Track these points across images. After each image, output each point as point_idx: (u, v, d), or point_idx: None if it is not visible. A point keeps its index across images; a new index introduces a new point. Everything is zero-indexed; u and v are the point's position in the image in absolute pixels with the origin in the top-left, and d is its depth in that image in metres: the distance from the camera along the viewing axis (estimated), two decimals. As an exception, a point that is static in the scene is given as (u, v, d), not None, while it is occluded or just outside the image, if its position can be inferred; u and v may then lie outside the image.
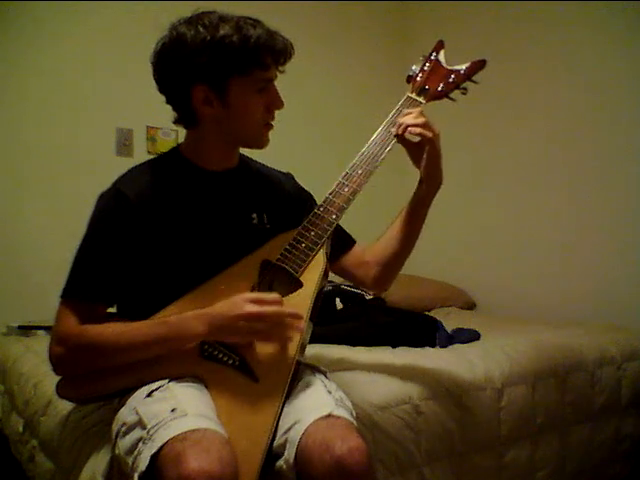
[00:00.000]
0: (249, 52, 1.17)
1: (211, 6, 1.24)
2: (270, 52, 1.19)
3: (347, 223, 1.40)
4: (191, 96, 1.21)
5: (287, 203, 1.39)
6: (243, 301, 1.10)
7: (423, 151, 1.28)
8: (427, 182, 1.32)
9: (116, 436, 1.10)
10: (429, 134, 1.25)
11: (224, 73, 1.18)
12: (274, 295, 1.12)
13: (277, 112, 1.28)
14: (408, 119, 1.27)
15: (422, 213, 1.35)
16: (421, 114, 1.27)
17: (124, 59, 2.75)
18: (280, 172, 1.47)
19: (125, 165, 1.31)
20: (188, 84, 1.20)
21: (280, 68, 1.25)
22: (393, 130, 1.29)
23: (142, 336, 1.12)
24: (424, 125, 1.25)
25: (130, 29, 2.78)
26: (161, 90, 1.26)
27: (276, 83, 1.26)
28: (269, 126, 1.28)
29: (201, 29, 1.17)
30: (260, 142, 1.30)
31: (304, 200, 1.44)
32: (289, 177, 1.47)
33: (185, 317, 1.12)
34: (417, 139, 1.27)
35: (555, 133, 2.77)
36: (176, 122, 1.29)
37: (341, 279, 1.56)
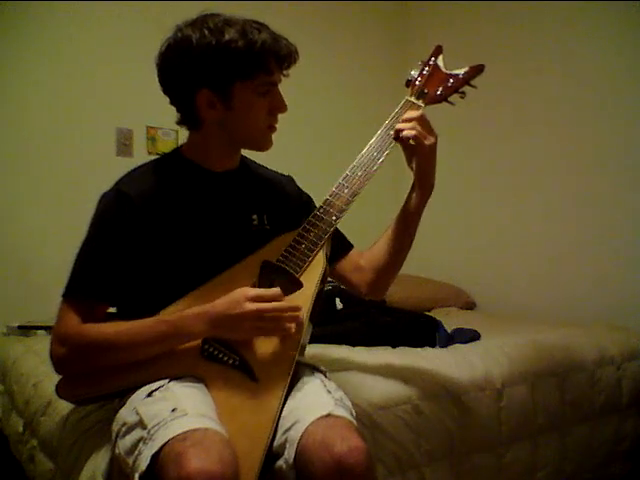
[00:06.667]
0: (254, 57, 1.17)
1: (211, 6, 1.24)
2: (274, 57, 1.20)
3: (345, 226, 1.39)
4: (195, 100, 1.21)
5: (287, 205, 1.39)
6: (243, 299, 1.10)
7: (418, 152, 1.26)
8: (419, 185, 1.30)
9: (116, 436, 1.10)
10: (427, 140, 1.24)
11: (229, 78, 1.18)
12: (274, 290, 1.13)
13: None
14: (405, 123, 1.25)
15: (414, 220, 1.33)
16: (421, 118, 1.25)
17: (124, 59, 2.75)
18: (281, 174, 1.47)
19: (125, 165, 1.31)
20: (192, 88, 1.20)
21: (284, 72, 1.25)
22: (392, 132, 1.28)
23: (143, 334, 1.12)
24: (421, 129, 1.23)
25: (130, 29, 2.78)
26: (165, 91, 1.26)
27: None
28: (272, 128, 1.29)
29: (206, 32, 1.17)
30: (263, 144, 1.30)
31: (304, 203, 1.44)
32: (289, 179, 1.48)
33: (186, 316, 1.12)
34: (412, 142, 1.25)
35: (555, 135, 2.76)
36: (179, 123, 1.30)
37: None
